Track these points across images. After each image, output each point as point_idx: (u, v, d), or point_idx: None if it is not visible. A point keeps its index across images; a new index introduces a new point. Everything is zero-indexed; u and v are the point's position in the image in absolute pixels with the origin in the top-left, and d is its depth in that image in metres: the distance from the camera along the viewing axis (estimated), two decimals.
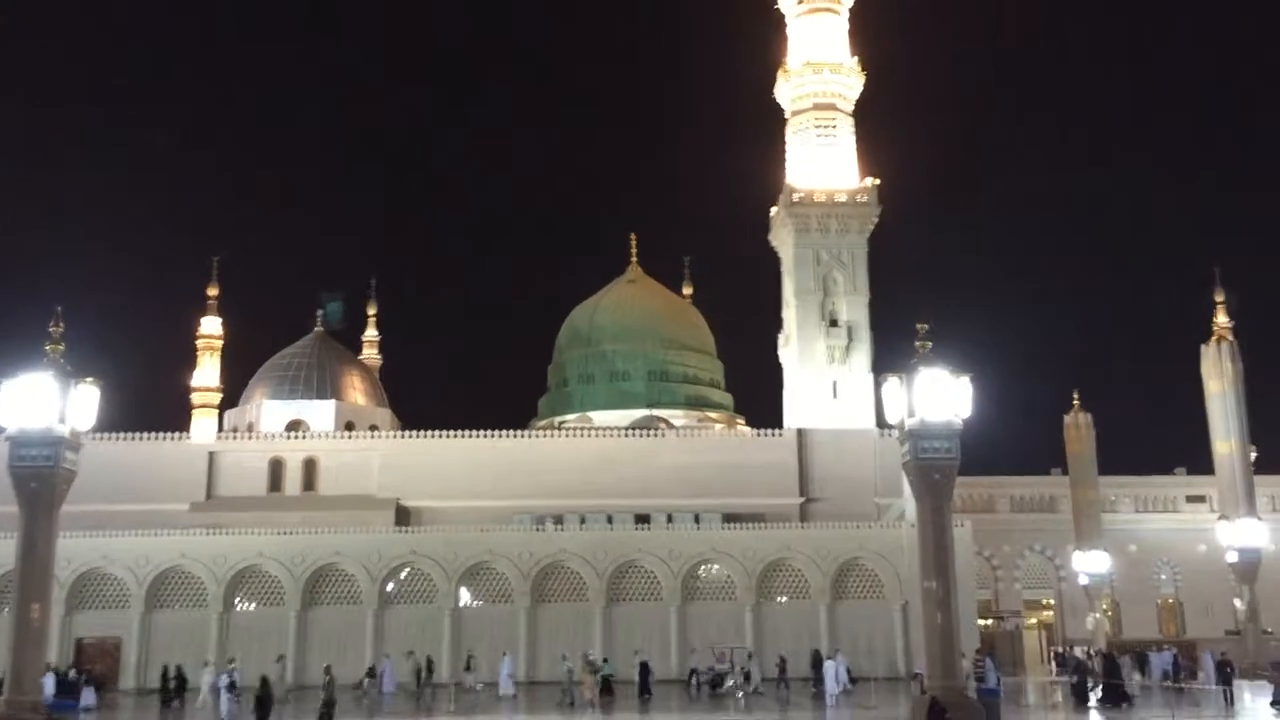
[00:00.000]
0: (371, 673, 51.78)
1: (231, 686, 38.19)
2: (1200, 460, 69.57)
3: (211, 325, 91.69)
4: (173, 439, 69.54)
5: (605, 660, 50.94)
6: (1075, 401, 70.69)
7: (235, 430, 76.52)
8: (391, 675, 52.76)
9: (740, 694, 46.73)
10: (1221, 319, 66.88)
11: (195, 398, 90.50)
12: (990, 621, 69.50)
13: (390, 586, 61.13)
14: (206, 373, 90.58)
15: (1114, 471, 73.94)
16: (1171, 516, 78.02)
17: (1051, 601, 77.19)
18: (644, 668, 48.73)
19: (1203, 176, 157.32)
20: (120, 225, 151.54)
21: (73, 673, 50.46)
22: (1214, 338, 65.96)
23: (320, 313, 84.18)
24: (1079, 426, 70.31)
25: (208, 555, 59.98)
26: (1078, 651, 53.06)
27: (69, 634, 58.25)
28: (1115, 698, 40.72)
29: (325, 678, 33.43)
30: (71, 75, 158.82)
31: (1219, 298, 67.00)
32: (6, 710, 30.86)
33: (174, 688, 49.67)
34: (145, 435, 68.32)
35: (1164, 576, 77.34)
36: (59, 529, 33.70)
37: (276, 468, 69.14)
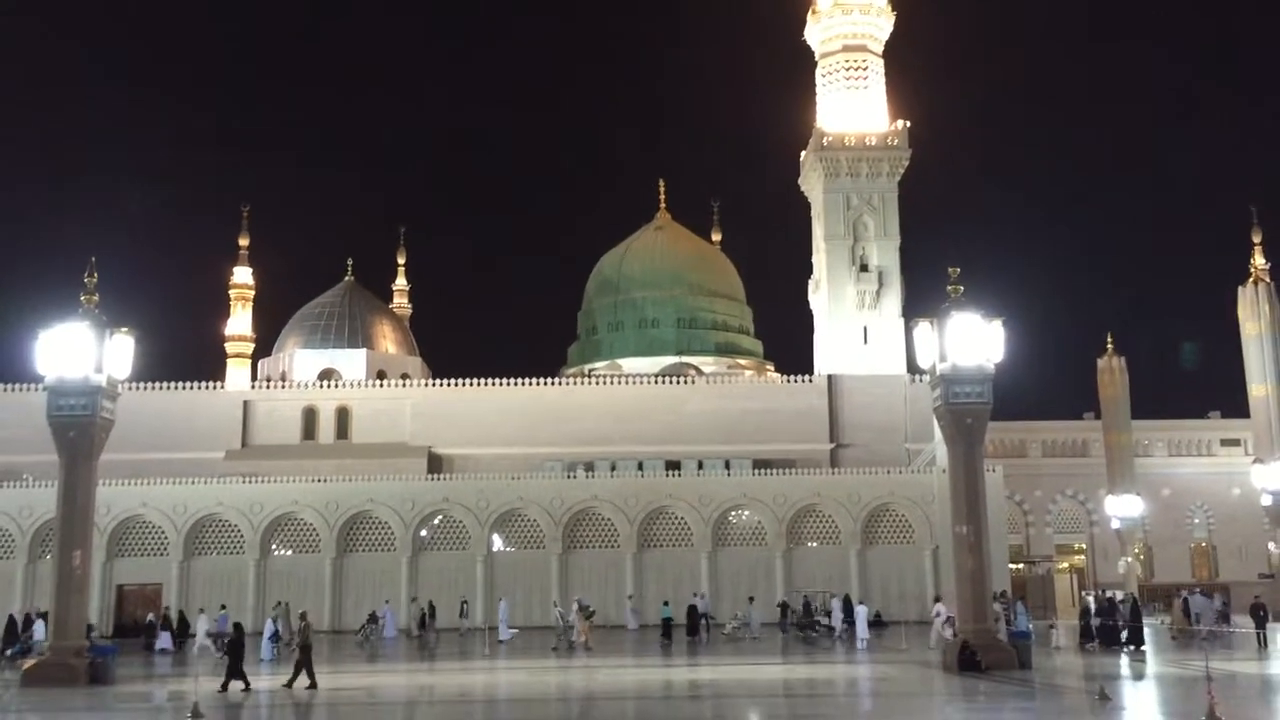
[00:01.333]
0: (373, 618, 52.45)
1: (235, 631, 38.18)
2: (1235, 404, 68.92)
3: (244, 275, 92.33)
4: (208, 388, 70.25)
5: (666, 604, 51.14)
6: (1108, 345, 70.03)
7: (269, 379, 77.21)
8: (392, 621, 53.54)
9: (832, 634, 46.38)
10: (1259, 260, 65.77)
11: (229, 347, 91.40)
12: (1021, 566, 69.50)
13: (423, 533, 61.80)
14: (239, 322, 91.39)
15: (1147, 415, 73.37)
16: (1206, 460, 77.45)
17: (1083, 546, 77.06)
18: (692, 610, 49.28)
19: (1242, 118, 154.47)
20: (153, 175, 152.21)
21: (151, 617, 51.51)
22: (1251, 279, 64.95)
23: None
24: (1112, 370, 69.66)
25: (244, 503, 60.79)
26: (1115, 595, 52.97)
27: (110, 581, 59.37)
28: (1135, 640, 40.71)
29: (300, 623, 32.52)
30: (112, 26, 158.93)
31: (1256, 238, 65.89)
32: (52, 655, 31.55)
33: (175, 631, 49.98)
34: (181, 384, 69.05)
35: (1197, 520, 76.95)
36: (98, 477, 34.23)
37: (310, 416, 69.77)
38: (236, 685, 29.00)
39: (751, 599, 53.94)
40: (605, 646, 44.70)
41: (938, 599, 48.07)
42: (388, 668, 39.18)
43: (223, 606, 53.51)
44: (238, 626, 32.59)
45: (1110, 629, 41.26)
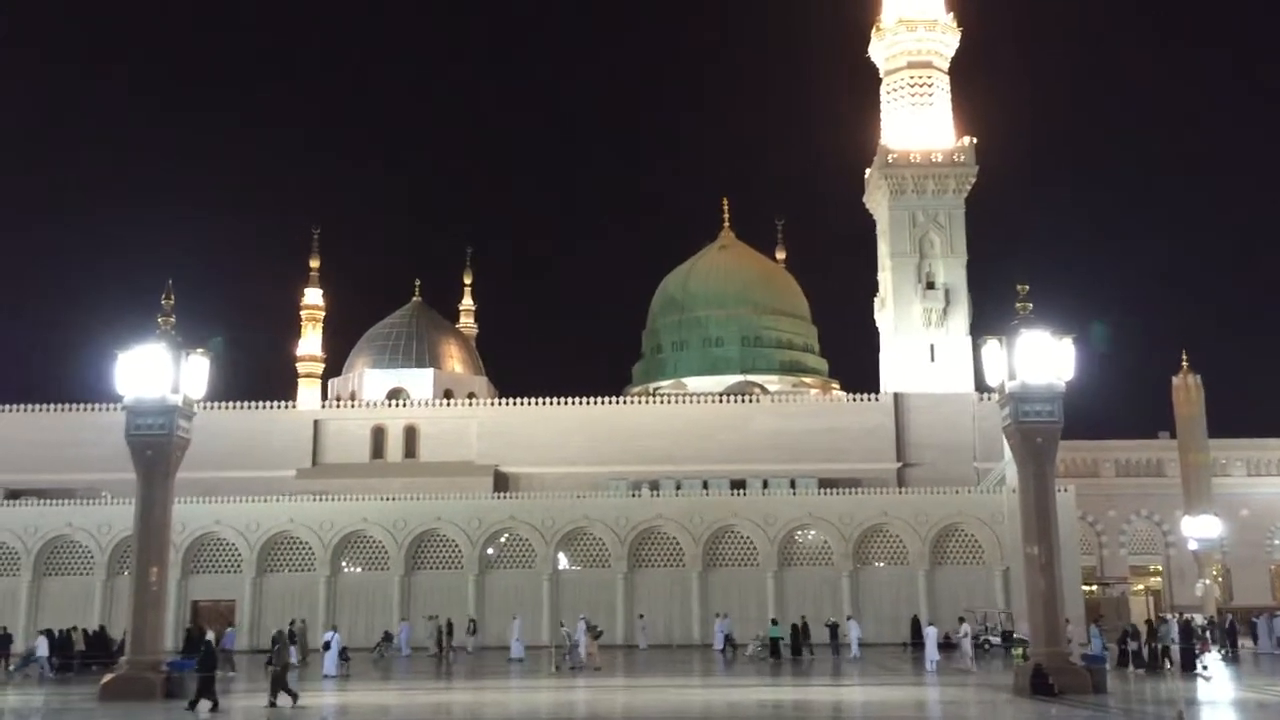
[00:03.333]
0: (388, 636, 52.58)
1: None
2: None
3: (314, 296, 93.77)
4: (280, 408, 71.44)
5: (775, 622, 51.12)
6: (1184, 363, 68.73)
7: (338, 398, 78.36)
8: (408, 639, 53.84)
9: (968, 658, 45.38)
10: None
11: (300, 367, 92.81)
12: (1095, 588, 68.25)
13: (490, 551, 62.21)
14: (310, 342, 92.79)
15: (1224, 434, 71.79)
16: None
17: (1159, 568, 75.45)
18: (795, 631, 49.39)
19: None
20: (227, 198, 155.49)
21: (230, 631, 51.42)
22: None
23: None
24: (1188, 388, 68.37)
25: (314, 520, 61.67)
26: (1197, 618, 51.76)
27: (185, 596, 60.47)
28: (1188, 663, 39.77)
29: (276, 644, 31.37)
30: (182, 50, 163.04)
31: None
32: (129, 670, 32.20)
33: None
34: (254, 404, 70.28)
35: (1277, 541, 75.01)
36: (174, 495, 34.96)
37: (379, 435, 70.67)
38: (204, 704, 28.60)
39: (850, 617, 53.78)
40: (669, 666, 44.55)
41: (961, 619, 47.76)
42: (433, 685, 39.13)
43: (335, 626, 52.93)
44: (206, 642, 32.05)
45: (1188, 653, 40.34)
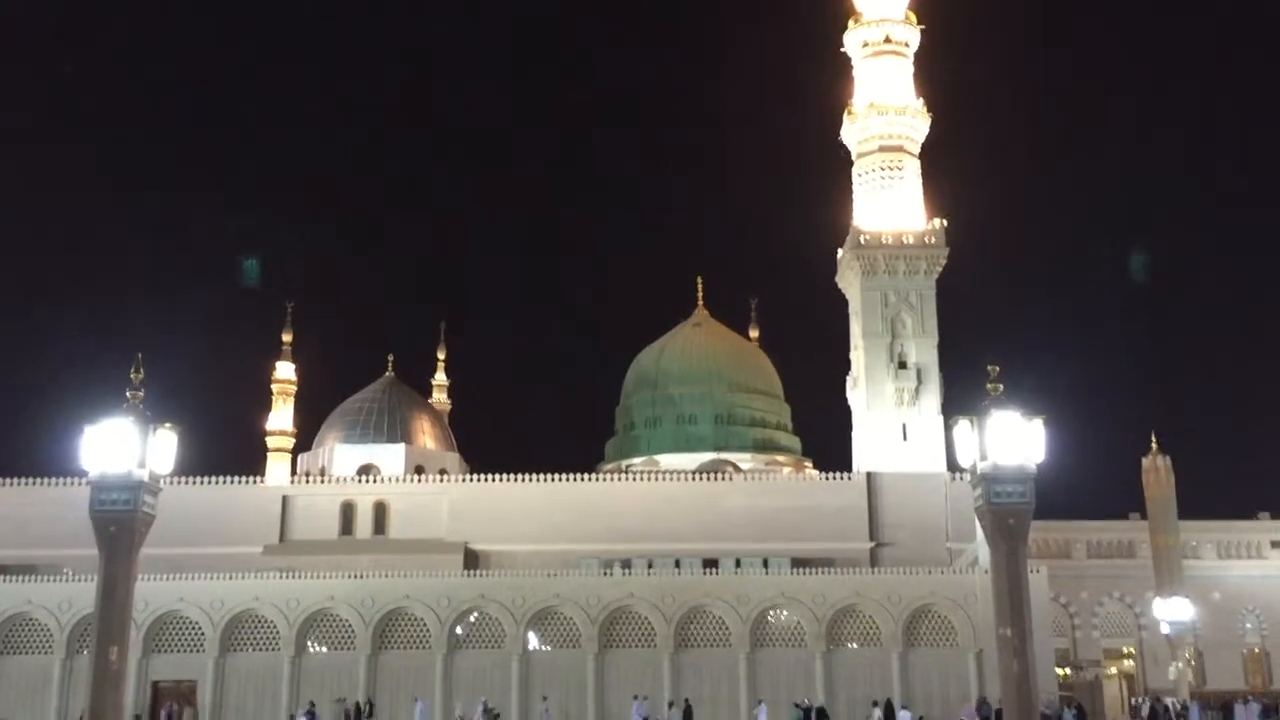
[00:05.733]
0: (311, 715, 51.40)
1: None
2: None
3: (286, 370, 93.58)
4: (247, 482, 70.68)
5: (797, 705, 50.42)
6: (1153, 444, 69.12)
7: (308, 474, 77.63)
8: None
9: None
10: None
11: (270, 441, 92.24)
12: (1068, 670, 67.80)
13: (459, 630, 61.29)
14: (281, 417, 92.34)
15: (1195, 516, 71.98)
16: (1256, 563, 75.61)
17: (1132, 650, 75.10)
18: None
19: None
20: (198, 271, 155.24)
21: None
22: None
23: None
24: (1158, 469, 68.65)
25: (280, 598, 60.63)
26: (1168, 701, 51.51)
27: (145, 677, 59.09)
28: None
29: None
30: (151, 123, 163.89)
31: None
32: None
33: None
34: (221, 479, 69.52)
35: (1249, 625, 74.87)
36: (137, 572, 34.32)
37: (348, 511, 69.94)
38: None
39: (875, 703, 53.37)
40: None
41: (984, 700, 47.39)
42: None
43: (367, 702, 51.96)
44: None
45: None
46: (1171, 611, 64.71)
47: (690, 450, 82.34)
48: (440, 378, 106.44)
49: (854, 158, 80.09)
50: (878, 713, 45.50)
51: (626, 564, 64.00)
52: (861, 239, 76.11)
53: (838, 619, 61.22)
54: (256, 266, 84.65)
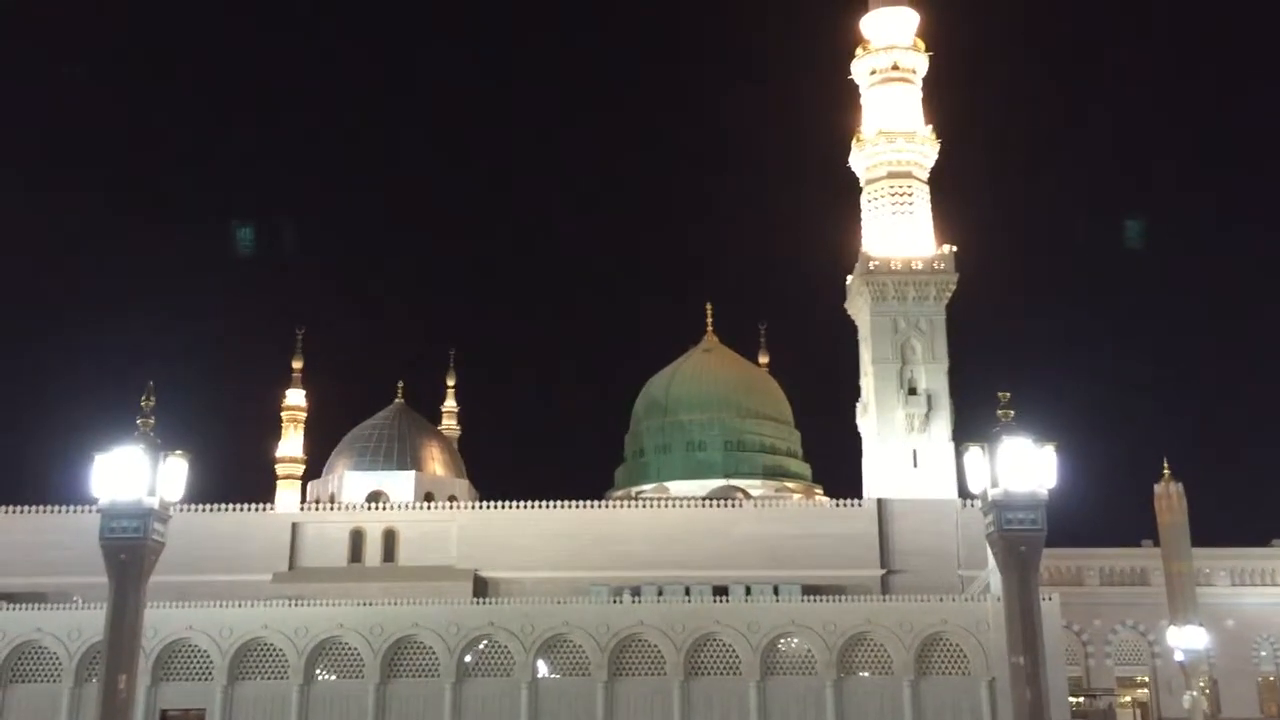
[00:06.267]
0: None
1: None
2: None
3: (296, 397, 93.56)
4: (257, 510, 70.65)
5: None
6: (1166, 471, 68.78)
7: (318, 501, 77.59)
8: None
9: None
10: None
11: (279, 468, 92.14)
12: (1081, 699, 67.26)
13: (468, 658, 61.04)
14: (291, 444, 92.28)
15: (1208, 543, 71.54)
16: (1270, 590, 75.14)
17: (1146, 678, 74.49)
18: None
19: None
20: (208, 299, 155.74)
21: None
22: None
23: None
24: (1170, 496, 68.29)
25: (289, 626, 60.49)
26: None
27: (154, 705, 58.96)
28: None
29: None
30: (160, 147, 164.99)
31: None
32: None
33: None
34: (231, 506, 69.48)
35: (1264, 653, 74.28)
36: (147, 600, 34.31)
37: (357, 538, 69.82)
38: None
39: None
40: None
41: None
42: None
43: None
44: None
45: None
46: (1185, 639, 64.13)
47: (700, 477, 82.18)
48: (450, 404, 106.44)
49: (863, 184, 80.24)
50: None
51: (636, 591, 63.75)
52: (871, 265, 76.14)
53: (849, 647, 60.83)
54: (251, 235, 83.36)
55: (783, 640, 61.29)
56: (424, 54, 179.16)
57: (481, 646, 61.28)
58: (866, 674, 60.82)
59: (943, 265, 76.03)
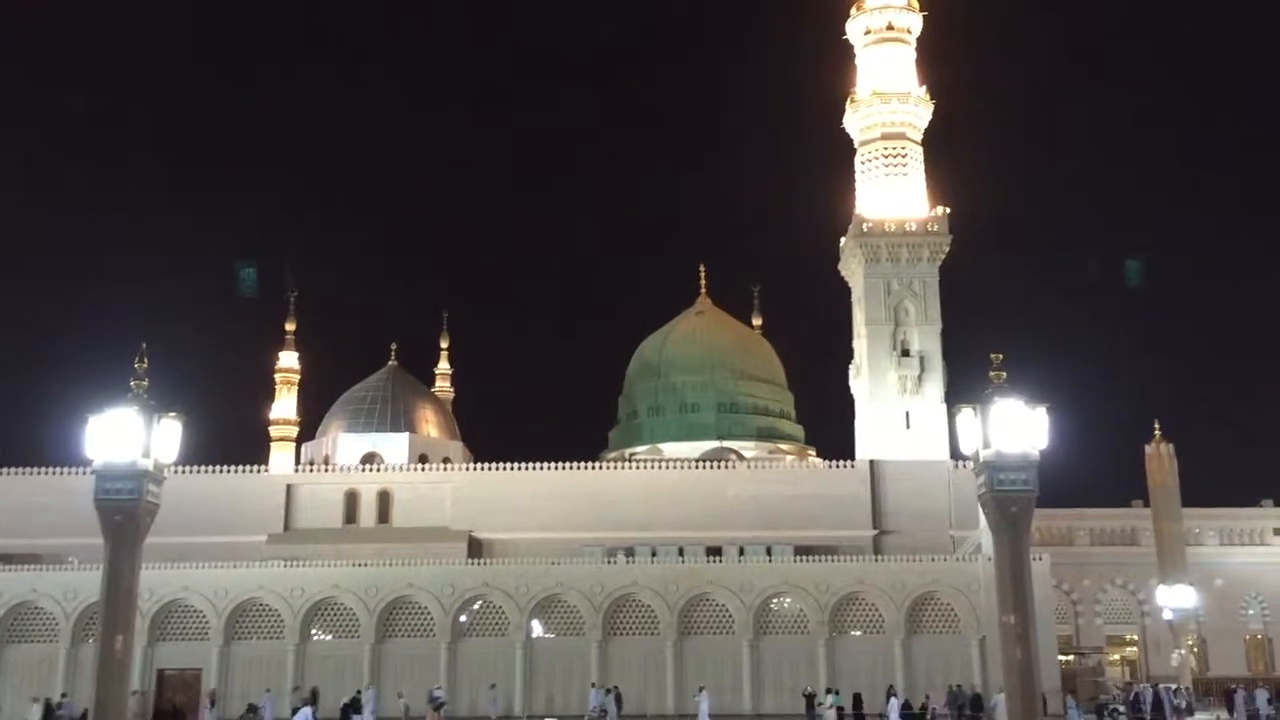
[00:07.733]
0: (253, 709, 51.20)
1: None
2: None
3: (289, 359, 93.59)
4: (252, 472, 70.75)
5: (836, 692, 51.17)
6: (1156, 431, 69.16)
7: (312, 463, 77.72)
8: (272, 711, 52.41)
9: None
10: None
11: (273, 430, 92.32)
12: (1071, 658, 67.95)
13: (463, 618, 61.44)
14: (284, 406, 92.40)
15: (1198, 503, 72.06)
16: (1259, 550, 75.80)
17: (1135, 637, 75.25)
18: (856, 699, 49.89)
19: None
20: (201, 260, 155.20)
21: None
22: None
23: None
24: (1161, 457, 68.72)
25: (284, 587, 60.80)
26: (1162, 689, 51.61)
27: (151, 665, 59.32)
28: None
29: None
30: (154, 114, 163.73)
31: None
32: None
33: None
34: (225, 468, 69.59)
35: (1252, 612, 75.04)
36: (142, 561, 34.42)
37: (352, 500, 70.03)
38: None
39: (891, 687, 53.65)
40: None
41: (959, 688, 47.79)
42: None
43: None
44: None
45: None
46: (1174, 598, 64.83)
47: (693, 439, 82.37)
48: (444, 366, 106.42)
49: (856, 146, 79.96)
50: (895, 702, 45.85)
51: (630, 552, 64.10)
52: (864, 226, 76.04)
53: (841, 607, 61.32)
54: (254, 275, 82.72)
55: (775, 600, 61.75)
56: (427, 4, 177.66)
57: (476, 607, 61.67)
58: (858, 633, 61.34)
59: (936, 227, 75.96)
